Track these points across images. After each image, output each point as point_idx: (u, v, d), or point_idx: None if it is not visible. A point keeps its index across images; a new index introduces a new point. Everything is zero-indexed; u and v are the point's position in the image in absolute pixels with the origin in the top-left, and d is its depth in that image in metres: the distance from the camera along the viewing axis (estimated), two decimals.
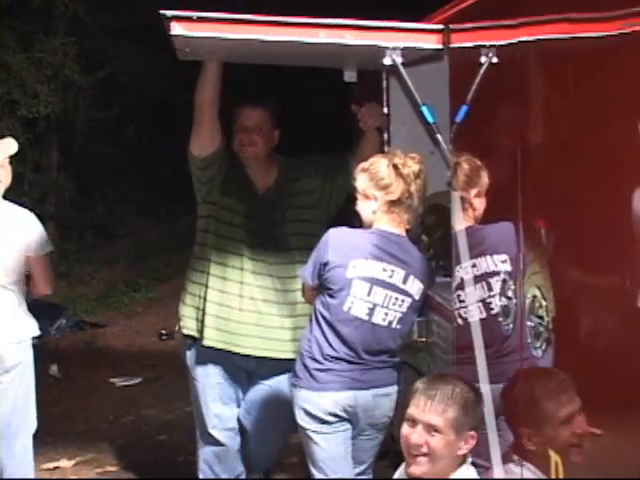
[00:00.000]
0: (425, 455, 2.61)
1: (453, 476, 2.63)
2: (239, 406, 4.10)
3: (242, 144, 3.95)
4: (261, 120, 3.95)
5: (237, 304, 3.90)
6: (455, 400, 2.62)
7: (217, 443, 4.07)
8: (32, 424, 4.26)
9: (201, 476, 4.15)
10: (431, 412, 2.61)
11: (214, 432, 4.06)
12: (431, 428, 2.61)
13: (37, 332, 4.28)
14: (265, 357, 3.92)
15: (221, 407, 4.05)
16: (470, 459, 2.69)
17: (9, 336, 4.16)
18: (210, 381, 4.02)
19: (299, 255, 3.80)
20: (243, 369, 4.02)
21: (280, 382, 3.95)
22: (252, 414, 4.08)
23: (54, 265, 4.47)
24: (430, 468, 2.61)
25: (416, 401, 2.66)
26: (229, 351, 3.92)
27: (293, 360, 3.65)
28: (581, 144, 2.67)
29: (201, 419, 4.08)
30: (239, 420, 4.10)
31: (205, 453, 4.12)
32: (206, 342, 3.93)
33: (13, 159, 4.32)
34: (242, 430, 4.12)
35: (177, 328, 4.14)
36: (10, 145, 4.31)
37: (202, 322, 3.93)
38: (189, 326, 4.01)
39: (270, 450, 4.18)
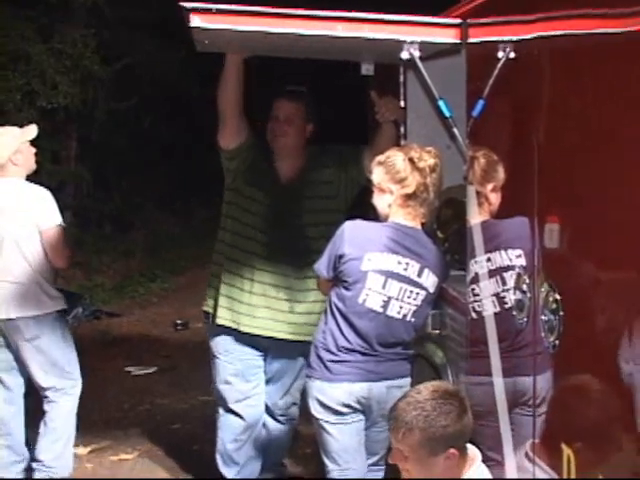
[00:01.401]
0: (406, 470, 2.59)
1: (464, 476, 2.61)
2: (261, 384, 4.21)
3: (274, 134, 4.05)
4: (294, 112, 4.02)
5: (248, 287, 4.01)
6: (417, 425, 2.52)
7: (239, 416, 4.16)
8: (63, 400, 4.37)
9: (218, 456, 4.24)
10: (394, 437, 2.58)
11: (235, 406, 4.15)
12: (399, 450, 2.58)
13: (60, 306, 4.34)
14: (274, 337, 4.03)
15: (244, 384, 4.16)
16: (480, 458, 2.65)
17: (25, 309, 4.22)
18: (232, 357, 4.13)
19: (315, 244, 3.85)
20: (258, 347, 4.13)
21: (296, 360, 4.12)
22: (268, 383, 4.22)
23: None
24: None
25: (390, 421, 2.63)
26: (238, 330, 4.04)
27: (306, 343, 3.71)
28: (598, 140, 2.67)
29: (222, 394, 4.18)
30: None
31: (226, 435, 4.19)
32: (218, 320, 4.06)
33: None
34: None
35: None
36: (29, 131, 4.36)
37: (216, 302, 4.07)
38: (209, 304, 4.16)
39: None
